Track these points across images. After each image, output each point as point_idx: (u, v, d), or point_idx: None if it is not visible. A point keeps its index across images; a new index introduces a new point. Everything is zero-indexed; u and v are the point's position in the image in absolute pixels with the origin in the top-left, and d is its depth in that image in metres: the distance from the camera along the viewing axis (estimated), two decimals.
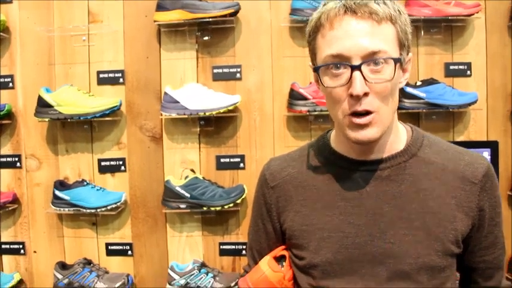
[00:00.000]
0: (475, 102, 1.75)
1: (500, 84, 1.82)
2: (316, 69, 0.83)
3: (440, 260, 0.89)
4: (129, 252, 1.85)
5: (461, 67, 1.81)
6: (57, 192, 1.80)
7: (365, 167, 0.91)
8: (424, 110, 1.72)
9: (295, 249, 0.99)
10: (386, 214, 0.89)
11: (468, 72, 1.81)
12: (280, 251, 1.04)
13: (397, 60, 0.80)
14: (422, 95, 1.72)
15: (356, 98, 0.79)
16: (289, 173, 0.99)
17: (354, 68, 0.78)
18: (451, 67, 1.81)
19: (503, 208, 1.72)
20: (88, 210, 1.76)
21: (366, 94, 0.79)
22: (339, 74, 0.80)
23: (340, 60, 0.79)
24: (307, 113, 1.69)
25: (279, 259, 1.04)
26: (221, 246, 1.83)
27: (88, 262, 1.83)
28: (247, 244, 1.11)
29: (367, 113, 0.81)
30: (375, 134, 0.83)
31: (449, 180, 0.89)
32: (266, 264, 1.02)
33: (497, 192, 0.93)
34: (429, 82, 1.74)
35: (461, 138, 1.80)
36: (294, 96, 1.71)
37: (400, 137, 0.93)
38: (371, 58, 0.78)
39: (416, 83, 1.75)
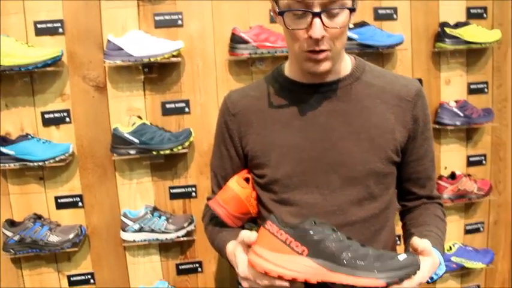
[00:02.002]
0: (401, 43, 1.90)
1: (423, 28, 1.99)
2: (281, 13, 0.93)
3: (384, 166, 1.03)
4: (80, 203, 1.86)
5: (388, 11, 1.96)
6: (0, 148, 1.76)
7: (317, 90, 1.04)
8: (357, 51, 1.85)
9: (257, 169, 1.10)
10: (337, 129, 1.02)
11: (394, 16, 1.96)
12: (244, 174, 1.13)
13: (352, 10, 0.92)
14: (355, 36, 1.85)
15: (315, 40, 0.91)
16: (248, 100, 1.11)
17: (314, 14, 0.89)
18: (379, 11, 1.95)
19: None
20: (35, 164, 1.74)
21: (323, 37, 0.90)
22: (301, 18, 0.91)
23: (302, 6, 0.90)
24: (249, 56, 1.77)
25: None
26: (171, 190, 1.89)
27: (38, 217, 1.81)
28: (210, 173, 1.20)
29: (322, 50, 0.93)
30: (328, 67, 0.97)
31: (388, 99, 1.04)
32: (235, 182, 1.12)
33: (427, 110, 1.08)
34: (361, 24, 1.88)
35: None
36: (235, 40, 1.78)
37: (346, 63, 1.06)
38: (330, 6, 0.89)
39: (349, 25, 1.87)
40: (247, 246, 0.88)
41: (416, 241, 0.88)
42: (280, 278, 0.83)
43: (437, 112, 2.02)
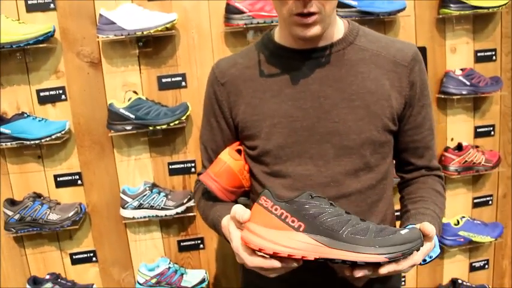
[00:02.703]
0: (403, 9, 1.83)
1: None
2: None
3: (380, 135, 0.99)
4: (79, 181, 1.85)
5: None
6: None
7: (308, 56, 0.99)
8: (357, 18, 1.78)
9: (248, 140, 1.05)
10: (330, 96, 0.97)
11: None
12: (236, 146, 1.09)
13: None
14: (354, 3, 1.78)
15: (302, 2, 0.86)
16: (237, 69, 1.05)
17: None
18: None
19: (433, 111, 1.85)
20: (32, 142, 1.73)
21: None
22: None
23: None
24: (244, 26, 1.72)
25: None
26: (170, 166, 1.86)
27: (38, 196, 1.81)
28: (200, 147, 1.15)
29: (311, 13, 0.88)
30: (318, 31, 0.92)
31: (383, 64, 0.99)
32: (227, 154, 1.07)
33: (425, 76, 1.03)
34: None
35: None
36: (230, 10, 1.73)
37: (338, 28, 1.01)
38: None
39: None
40: (240, 223, 0.84)
41: (429, 228, 0.82)
42: (275, 255, 0.79)
43: (443, 81, 1.95)
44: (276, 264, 0.79)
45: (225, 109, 1.06)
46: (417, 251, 0.80)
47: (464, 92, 1.92)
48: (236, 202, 1.15)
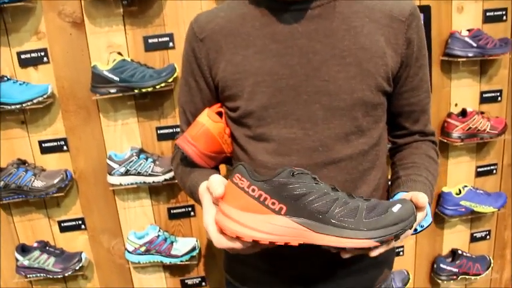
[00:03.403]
0: None
1: None
2: None
3: (373, 96, 0.90)
4: (65, 147, 1.78)
5: None
6: None
7: (295, 7, 0.88)
8: None
9: (229, 101, 0.96)
10: (319, 52, 0.87)
11: None
12: (216, 108, 1.01)
13: None
14: None
15: None
16: (217, 23, 0.95)
17: None
18: None
19: (436, 74, 1.75)
20: (13, 107, 1.66)
21: None
22: None
23: None
24: None
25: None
26: (158, 131, 1.79)
27: (22, 162, 1.75)
28: (179, 110, 1.07)
29: None
30: None
31: (378, 18, 0.89)
32: (206, 116, 0.98)
33: (423, 34, 0.94)
34: None
35: None
36: None
37: None
38: None
39: None
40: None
41: (421, 199, 0.77)
42: (254, 242, 0.72)
43: (448, 43, 1.83)
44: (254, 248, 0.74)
45: (204, 67, 0.97)
46: (410, 229, 0.74)
47: (470, 54, 1.80)
48: (217, 169, 1.09)
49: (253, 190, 0.71)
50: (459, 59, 1.82)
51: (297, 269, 0.97)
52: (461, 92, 1.93)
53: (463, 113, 1.89)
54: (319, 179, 0.75)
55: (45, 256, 1.78)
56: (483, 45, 1.81)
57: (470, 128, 1.88)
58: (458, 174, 2.02)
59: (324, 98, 0.88)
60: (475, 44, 1.80)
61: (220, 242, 0.76)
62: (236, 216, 0.72)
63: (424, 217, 0.81)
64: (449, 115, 1.90)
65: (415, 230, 0.84)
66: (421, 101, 0.99)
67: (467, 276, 2.05)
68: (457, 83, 1.92)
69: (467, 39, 1.80)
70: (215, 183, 0.77)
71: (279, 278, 1.00)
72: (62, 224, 1.86)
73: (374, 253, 0.73)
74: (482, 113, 1.91)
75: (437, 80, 1.88)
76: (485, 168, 2.04)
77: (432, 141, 1.05)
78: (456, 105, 1.94)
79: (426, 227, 0.85)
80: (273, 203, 0.71)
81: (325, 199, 0.71)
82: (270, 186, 0.71)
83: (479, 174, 2.05)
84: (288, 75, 0.89)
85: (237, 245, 0.74)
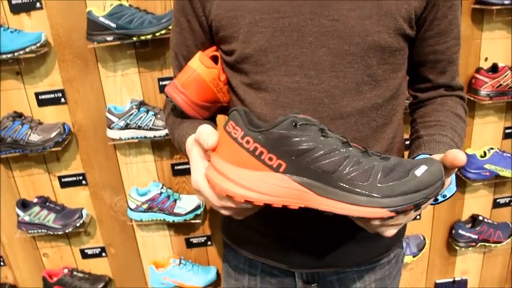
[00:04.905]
0: None
1: None
2: None
3: (391, 40, 0.76)
4: (62, 99, 1.69)
5: None
6: None
7: None
8: None
9: (224, 44, 0.83)
10: None
11: None
12: (211, 52, 0.88)
13: None
14: None
15: None
16: None
17: None
18: None
19: (465, 25, 1.55)
20: (4, 56, 1.56)
21: None
22: None
23: None
24: None
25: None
26: (161, 82, 1.67)
27: (18, 115, 1.67)
28: (171, 54, 0.95)
29: None
30: None
31: None
32: (197, 60, 0.86)
33: None
34: None
35: None
36: None
37: None
38: None
39: None
40: (205, 150, 0.67)
41: (460, 157, 0.60)
42: (247, 203, 0.62)
43: None
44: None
45: (196, 4, 0.84)
46: (435, 197, 0.61)
47: (506, 2, 1.61)
48: (213, 120, 0.97)
49: (247, 142, 0.60)
50: (493, 7, 1.62)
51: (298, 232, 0.87)
52: (493, 45, 1.74)
53: (494, 69, 1.72)
54: (328, 131, 0.63)
55: (45, 212, 1.73)
56: None
57: (501, 85, 1.71)
58: (484, 135, 1.87)
59: (333, 41, 0.74)
60: None
61: (213, 201, 0.66)
62: (227, 171, 0.61)
63: (448, 185, 0.69)
64: (478, 70, 1.73)
65: (436, 200, 0.72)
66: (448, 48, 0.84)
67: (486, 244, 1.94)
68: (489, 34, 1.72)
69: None
70: (205, 133, 0.65)
71: (278, 241, 0.90)
72: (63, 180, 1.80)
73: (388, 231, 0.64)
74: None
75: (467, 31, 1.69)
76: None
77: (460, 96, 0.91)
78: (486, 59, 1.76)
79: (449, 197, 0.73)
80: (270, 159, 0.60)
81: (333, 156, 0.59)
82: (267, 138, 0.60)
83: (507, 136, 1.89)
84: (291, 12, 0.75)
85: (229, 204, 0.65)
